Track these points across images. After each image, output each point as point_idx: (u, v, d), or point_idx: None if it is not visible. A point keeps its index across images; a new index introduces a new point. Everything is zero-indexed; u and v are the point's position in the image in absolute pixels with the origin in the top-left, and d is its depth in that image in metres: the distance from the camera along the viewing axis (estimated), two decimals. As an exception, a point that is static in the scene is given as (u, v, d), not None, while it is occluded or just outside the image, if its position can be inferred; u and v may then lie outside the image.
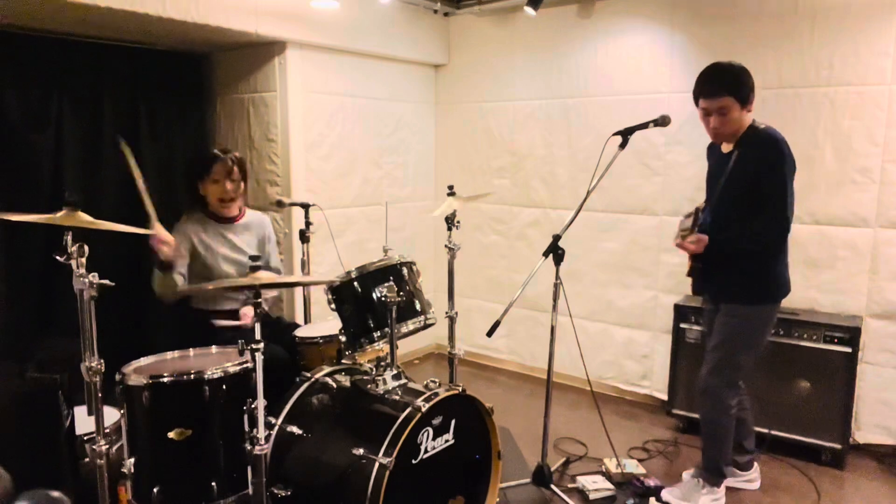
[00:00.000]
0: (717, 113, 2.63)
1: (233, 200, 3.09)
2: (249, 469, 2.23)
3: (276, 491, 2.26)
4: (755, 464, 3.08)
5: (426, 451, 2.25)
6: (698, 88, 2.68)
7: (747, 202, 2.64)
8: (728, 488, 2.98)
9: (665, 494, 2.91)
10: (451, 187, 3.01)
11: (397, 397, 2.33)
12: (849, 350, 3.17)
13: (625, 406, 4.10)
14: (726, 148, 2.77)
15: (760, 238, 2.64)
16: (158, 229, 2.68)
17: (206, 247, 3.02)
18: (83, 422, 2.33)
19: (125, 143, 2.63)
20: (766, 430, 3.31)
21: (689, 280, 2.90)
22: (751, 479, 3.06)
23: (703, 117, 2.71)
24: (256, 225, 3.23)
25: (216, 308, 3.05)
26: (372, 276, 2.53)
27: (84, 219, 2.00)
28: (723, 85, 2.61)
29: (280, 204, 3.48)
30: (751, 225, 2.63)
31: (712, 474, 2.85)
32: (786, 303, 3.49)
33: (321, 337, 2.95)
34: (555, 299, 2.86)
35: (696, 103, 2.71)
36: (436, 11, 4.51)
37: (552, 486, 2.93)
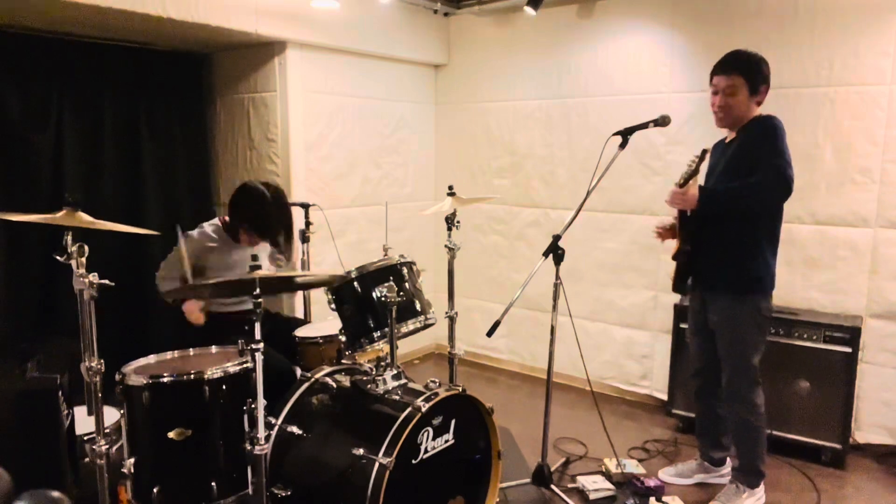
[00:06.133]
0: (723, 92, 2.67)
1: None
2: (249, 469, 2.23)
3: (276, 491, 2.26)
4: (728, 460, 3.09)
5: (426, 451, 2.25)
6: (715, 67, 2.71)
7: (745, 176, 2.59)
8: (703, 484, 3.04)
9: None
10: (451, 187, 3.01)
11: (397, 397, 2.33)
12: (849, 350, 3.17)
13: (625, 406, 4.10)
14: (729, 138, 2.80)
15: (759, 192, 2.55)
16: (191, 307, 2.88)
17: (228, 267, 3.00)
18: (83, 422, 2.33)
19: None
20: (766, 430, 3.31)
21: (689, 280, 2.90)
22: (723, 475, 3.08)
23: (711, 97, 2.73)
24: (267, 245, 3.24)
25: (230, 310, 3.04)
26: (372, 276, 2.53)
27: (84, 219, 2.00)
28: (737, 65, 2.66)
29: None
30: (749, 179, 2.56)
31: (750, 476, 2.82)
32: (786, 303, 3.52)
33: (321, 337, 2.94)
34: (555, 299, 2.86)
35: (711, 82, 2.73)
36: (436, 11, 4.51)
37: (552, 486, 2.93)
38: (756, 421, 2.77)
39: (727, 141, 2.80)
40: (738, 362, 2.75)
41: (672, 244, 2.91)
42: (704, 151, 2.63)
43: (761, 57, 2.67)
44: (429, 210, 3.15)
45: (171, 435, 2.23)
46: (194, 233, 3.02)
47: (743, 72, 2.63)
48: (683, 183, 2.65)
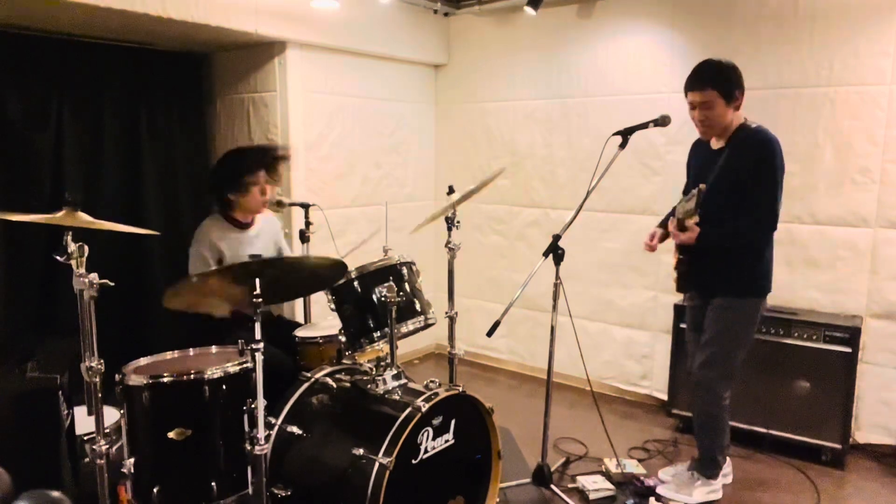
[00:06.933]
0: (700, 106, 2.69)
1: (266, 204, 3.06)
2: (249, 469, 2.24)
3: (276, 491, 2.26)
4: (728, 459, 3.10)
5: (426, 451, 2.25)
6: (686, 82, 2.74)
7: (736, 198, 2.67)
8: None
9: (661, 490, 2.93)
10: (451, 187, 3.01)
11: (397, 397, 2.33)
12: (849, 350, 3.17)
13: (625, 406, 4.10)
14: (716, 144, 2.81)
15: (749, 234, 2.70)
16: None
17: (238, 258, 2.93)
18: (83, 422, 2.33)
19: None
20: (766, 430, 3.31)
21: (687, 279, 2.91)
22: (724, 475, 3.08)
23: (690, 111, 2.77)
24: (268, 229, 3.21)
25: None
26: (372, 276, 2.53)
27: (84, 219, 2.00)
28: (707, 79, 2.67)
29: (280, 204, 3.46)
30: (740, 221, 2.67)
31: (707, 466, 2.90)
32: (785, 303, 3.52)
33: (321, 337, 2.94)
34: (555, 299, 2.86)
35: (686, 96, 2.76)
36: (436, 11, 4.51)
37: (552, 486, 2.93)
38: (720, 413, 2.83)
39: (714, 147, 2.81)
40: (718, 355, 2.80)
41: (672, 244, 2.91)
42: (700, 191, 2.65)
43: (731, 64, 2.69)
44: (427, 216, 3.04)
45: (171, 435, 2.23)
46: (199, 228, 3.00)
47: (715, 84, 2.65)
48: (683, 218, 2.72)
